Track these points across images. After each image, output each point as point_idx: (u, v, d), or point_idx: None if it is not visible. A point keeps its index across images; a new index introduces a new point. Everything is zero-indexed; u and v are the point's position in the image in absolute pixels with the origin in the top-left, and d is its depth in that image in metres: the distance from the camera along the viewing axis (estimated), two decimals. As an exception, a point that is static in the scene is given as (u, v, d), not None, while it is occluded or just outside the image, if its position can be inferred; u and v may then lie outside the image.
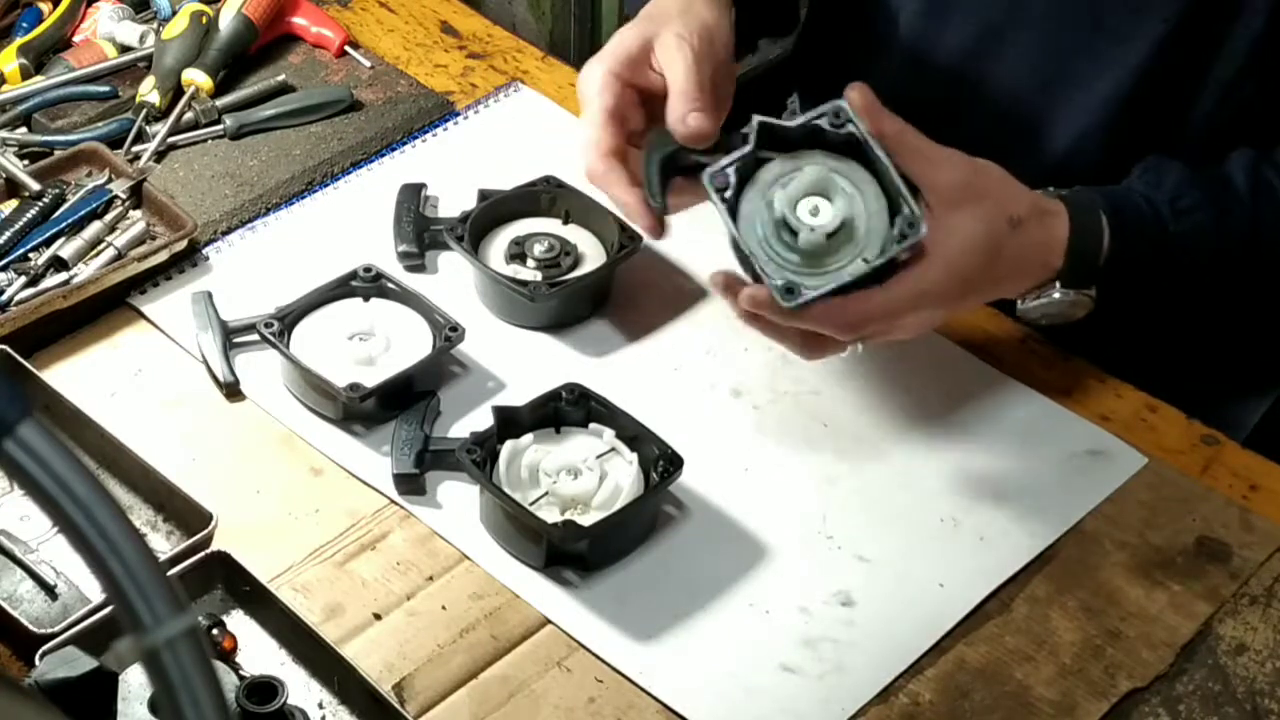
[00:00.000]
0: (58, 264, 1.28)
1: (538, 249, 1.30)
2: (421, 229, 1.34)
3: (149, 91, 1.42)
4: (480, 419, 1.20)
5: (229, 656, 1.05)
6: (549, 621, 1.10)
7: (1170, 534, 1.18)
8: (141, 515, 1.14)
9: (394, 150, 1.44)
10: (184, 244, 1.30)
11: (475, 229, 1.31)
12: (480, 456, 1.14)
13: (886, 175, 1.06)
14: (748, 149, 1.08)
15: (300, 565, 1.13)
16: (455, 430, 1.20)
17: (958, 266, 1.11)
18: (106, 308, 1.28)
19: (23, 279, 1.26)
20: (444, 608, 1.11)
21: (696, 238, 1.24)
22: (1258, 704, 1.08)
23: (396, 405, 1.20)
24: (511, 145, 1.45)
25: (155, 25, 1.51)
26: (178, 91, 1.44)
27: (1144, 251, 1.20)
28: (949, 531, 1.18)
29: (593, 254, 1.32)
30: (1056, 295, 1.20)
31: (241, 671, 1.04)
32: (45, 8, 1.52)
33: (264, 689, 1.00)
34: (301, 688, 1.05)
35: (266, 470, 1.19)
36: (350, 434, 1.21)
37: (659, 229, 1.15)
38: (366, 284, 1.26)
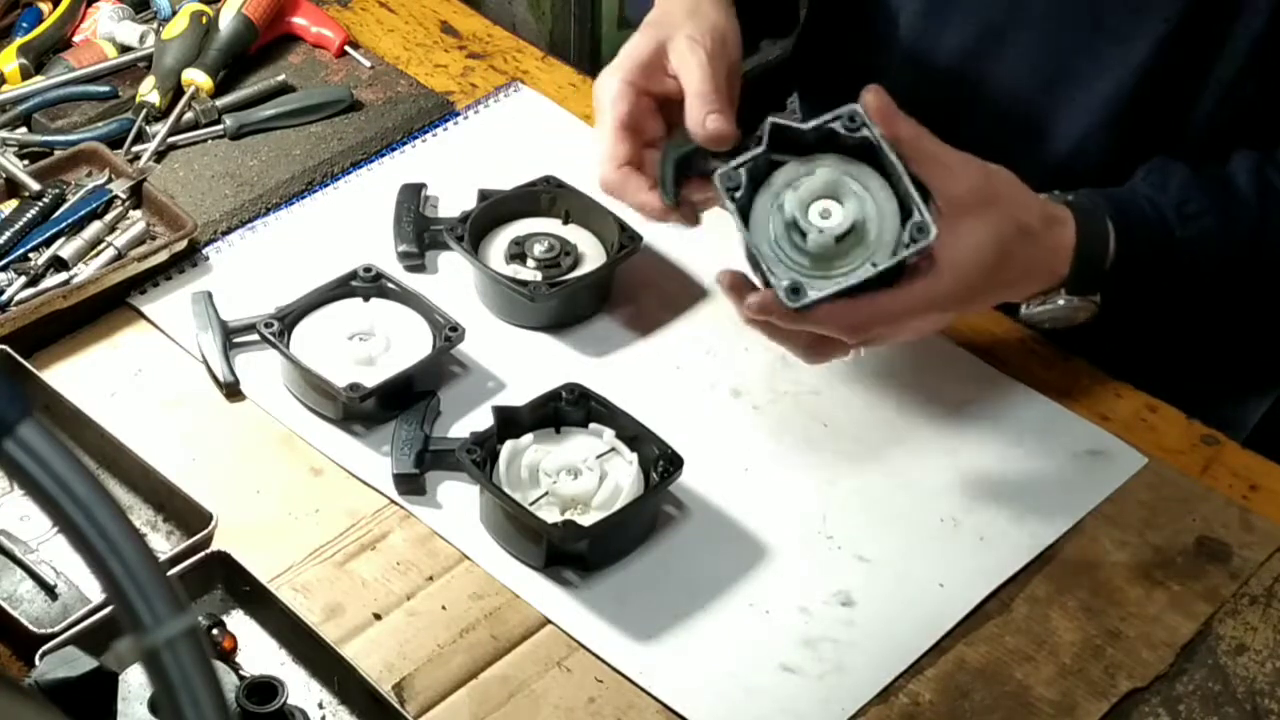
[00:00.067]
0: (58, 264, 1.28)
1: (538, 249, 1.30)
2: (421, 229, 1.34)
3: (149, 91, 1.42)
4: (480, 419, 1.20)
5: (229, 656, 1.05)
6: (549, 621, 1.10)
7: (1170, 534, 1.18)
8: (141, 515, 1.14)
9: (394, 150, 1.44)
10: (184, 244, 1.30)
11: (475, 229, 1.31)
12: (480, 456, 1.14)
13: (898, 180, 1.06)
14: (760, 150, 1.08)
15: (300, 565, 1.12)
16: (455, 430, 1.20)
17: (966, 272, 1.10)
18: (106, 308, 1.28)
19: (23, 279, 1.26)
20: (444, 608, 1.11)
21: (697, 237, 1.24)
22: (1258, 704, 1.08)
23: (396, 405, 1.20)
24: (511, 145, 1.45)
25: (155, 25, 1.51)
26: (178, 91, 1.44)
27: (1149, 257, 1.20)
28: (949, 531, 1.18)
29: (593, 254, 1.32)
30: (1061, 301, 1.20)
31: (241, 671, 1.04)
32: (45, 8, 1.52)
33: (264, 689, 1.00)
34: (301, 688, 1.05)
35: (266, 470, 1.19)
36: (350, 434, 1.21)
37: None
38: (366, 284, 1.26)
